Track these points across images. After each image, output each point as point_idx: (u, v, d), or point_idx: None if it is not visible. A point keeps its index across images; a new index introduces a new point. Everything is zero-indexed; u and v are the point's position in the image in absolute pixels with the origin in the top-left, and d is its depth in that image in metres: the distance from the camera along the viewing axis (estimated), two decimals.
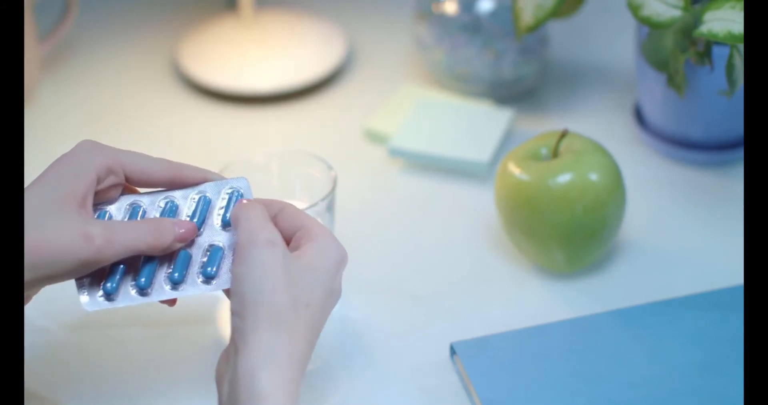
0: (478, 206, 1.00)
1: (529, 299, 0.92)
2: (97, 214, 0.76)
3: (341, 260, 0.74)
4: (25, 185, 0.74)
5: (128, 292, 0.75)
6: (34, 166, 0.87)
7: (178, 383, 0.86)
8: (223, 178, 0.78)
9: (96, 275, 0.75)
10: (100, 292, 0.74)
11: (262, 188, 0.87)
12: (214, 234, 0.76)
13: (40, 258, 0.71)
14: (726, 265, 0.93)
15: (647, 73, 1.00)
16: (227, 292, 0.75)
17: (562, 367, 0.84)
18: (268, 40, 1.16)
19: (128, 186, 0.78)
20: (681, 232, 0.97)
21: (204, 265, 0.75)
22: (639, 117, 1.07)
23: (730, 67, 0.91)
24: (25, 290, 0.72)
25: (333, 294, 0.74)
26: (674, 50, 0.94)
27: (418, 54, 1.13)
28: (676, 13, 0.93)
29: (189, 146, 1.08)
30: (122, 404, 0.84)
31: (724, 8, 0.90)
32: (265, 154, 0.90)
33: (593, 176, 0.89)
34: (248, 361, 0.69)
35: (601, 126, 1.07)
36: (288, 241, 0.75)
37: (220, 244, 0.76)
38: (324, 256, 0.73)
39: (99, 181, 0.75)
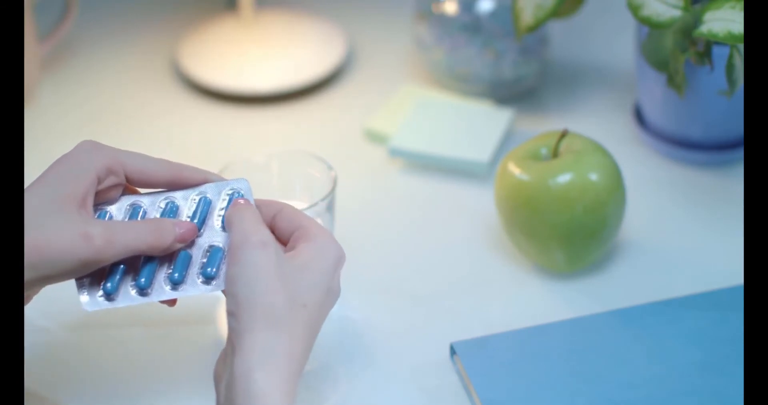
0: (478, 206, 1.00)
1: (529, 299, 0.92)
2: (97, 215, 0.76)
3: (339, 260, 0.74)
4: (25, 185, 0.74)
5: (128, 292, 0.75)
6: (34, 166, 0.87)
7: (178, 383, 0.86)
8: (223, 179, 0.78)
9: (96, 275, 0.75)
10: (100, 292, 0.74)
11: (262, 188, 0.87)
12: (214, 235, 0.77)
13: (40, 258, 0.71)
14: (726, 265, 0.93)
15: (647, 73, 1.00)
16: (224, 291, 0.75)
17: (562, 367, 0.84)
18: (268, 40, 1.16)
19: (129, 186, 0.78)
20: (681, 232, 0.97)
21: (204, 266, 0.75)
22: (639, 117, 1.07)
23: (730, 67, 0.91)
24: (25, 290, 0.72)
25: (331, 294, 0.74)
26: (674, 50, 0.94)
27: (418, 54, 1.13)
28: (676, 13, 0.93)
29: (189, 146, 1.08)
30: (122, 404, 0.84)
31: (724, 8, 0.90)
32: (265, 154, 0.90)
33: (593, 176, 0.89)
34: (244, 361, 0.69)
35: (601, 126, 1.07)
36: (286, 242, 0.75)
37: (220, 245, 0.76)
38: (321, 256, 0.73)
39: (99, 181, 0.75)
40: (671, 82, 0.96)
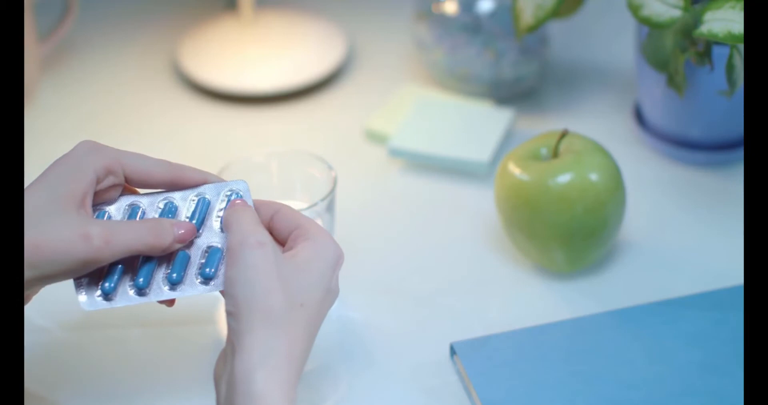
0: (478, 206, 1.00)
1: (529, 299, 0.92)
2: (96, 215, 0.76)
3: (337, 260, 0.74)
4: (25, 185, 0.74)
5: (126, 292, 0.75)
6: (34, 166, 0.87)
7: (178, 383, 0.86)
8: (222, 180, 0.78)
9: (94, 275, 0.74)
10: (99, 292, 0.74)
11: (262, 188, 0.87)
12: (212, 235, 0.76)
13: (39, 257, 0.71)
14: (726, 265, 0.93)
15: (647, 73, 1.00)
16: (223, 292, 0.75)
17: (562, 367, 0.84)
18: (268, 40, 1.16)
19: (128, 187, 0.78)
20: (681, 232, 0.97)
21: (202, 266, 0.75)
22: (639, 117, 1.07)
23: (730, 67, 0.91)
24: (24, 290, 0.72)
25: (329, 293, 0.74)
26: (674, 50, 0.94)
27: (418, 54, 1.13)
28: (676, 13, 0.93)
29: (189, 146, 1.08)
30: (122, 404, 0.84)
31: (724, 8, 0.90)
32: (265, 154, 0.90)
33: (593, 176, 0.89)
34: (245, 361, 0.69)
35: (601, 126, 1.07)
36: (284, 242, 0.75)
37: (219, 246, 0.76)
38: (320, 255, 0.73)
39: (98, 181, 0.75)
40: (671, 82, 0.96)
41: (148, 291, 0.75)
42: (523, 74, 1.10)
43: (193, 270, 0.75)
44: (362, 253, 0.95)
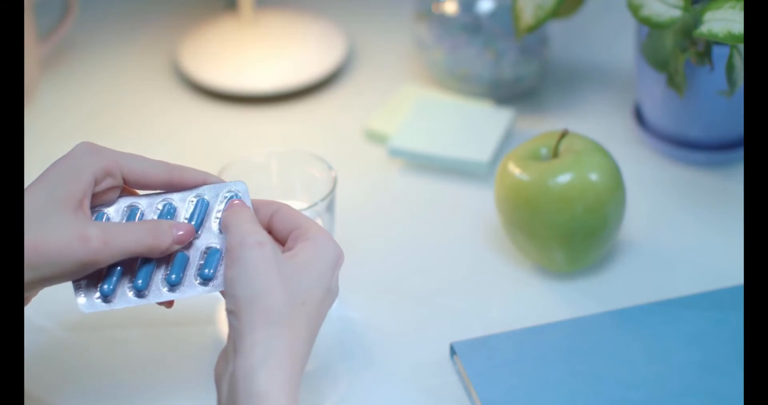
0: (478, 206, 1.00)
1: (529, 299, 0.92)
2: (94, 216, 0.76)
3: (337, 259, 0.74)
4: (25, 185, 0.74)
5: (125, 293, 0.75)
6: (34, 166, 0.87)
7: (178, 383, 0.86)
8: (222, 181, 0.78)
9: (93, 277, 0.74)
10: (97, 294, 0.74)
11: (262, 188, 0.87)
12: (211, 236, 0.76)
13: (38, 259, 0.71)
14: (726, 265, 0.93)
15: (647, 73, 1.00)
16: (223, 292, 0.75)
17: (562, 367, 0.84)
18: (268, 40, 1.16)
19: (127, 188, 0.78)
20: (681, 232, 0.97)
21: (201, 267, 0.75)
22: (639, 117, 1.07)
23: (730, 67, 0.91)
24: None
25: (329, 293, 0.74)
26: (674, 50, 0.94)
27: (418, 54, 1.13)
28: (676, 13, 0.93)
29: (189, 146, 1.08)
30: (122, 404, 0.84)
31: (724, 8, 0.90)
32: (265, 154, 0.90)
33: (593, 176, 0.89)
34: (246, 360, 0.69)
35: (601, 126, 1.07)
36: (284, 241, 0.75)
37: (218, 247, 0.76)
38: (319, 255, 0.73)
39: (96, 183, 0.75)
40: (671, 82, 0.96)
41: (147, 292, 0.75)
42: (523, 74, 1.10)
43: (192, 271, 0.75)
44: (362, 253, 0.95)
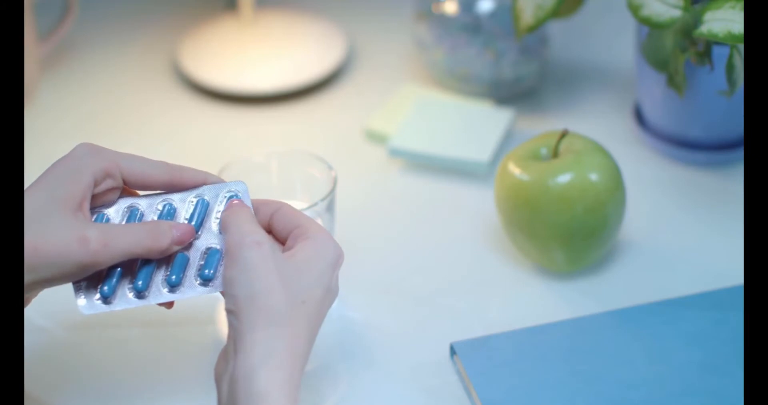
0: (478, 206, 1.00)
1: (529, 299, 0.92)
2: (94, 217, 0.76)
3: (337, 259, 0.74)
4: (25, 186, 0.74)
5: (125, 295, 0.75)
6: (34, 166, 0.87)
7: (178, 383, 0.86)
8: (222, 181, 0.78)
9: (93, 278, 0.74)
10: (97, 295, 0.74)
11: (262, 188, 0.87)
12: (211, 237, 0.76)
13: (37, 261, 0.71)
14: (726, 265, 0.93)
15: (647, 73, 1.00)
16: (223, 292, 0.75)
17: (562, 367, 0.84)
18: (268, 40, 1.16)
19: (127, 189, 0.78)
20: (681, 232, 0.97)
21: (201, 268, 0.75)
22: (639, 117, 1.07)
23: (730, 67, 0.91)
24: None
25: (329, 293, 0.74)
26: (674, 50, 0.94)
27: (418, 54, 1.13)
28: (676, 13, 0.93)
29: (189, 146, 1.08)
30: (122, 404, 0.84)
31: (724, 8, 0.90)
32: (265, 154, 0.90)
33: (593, 176, 0.89)
34: (246, 360, 0.69)
35: (601, 126, 1.07)
36: (284, 241, 0.75)
37: (218, 247, 0.76)
38: (319, 254, 0.73)
39: (96, 184, 0.75)
40: (671, 82, 0.96)
41: (147, 294, 0.75)
42: (523, 74, 1.10)
43: (192, 272, 0.75)
44: (362, 253, 0.95)
